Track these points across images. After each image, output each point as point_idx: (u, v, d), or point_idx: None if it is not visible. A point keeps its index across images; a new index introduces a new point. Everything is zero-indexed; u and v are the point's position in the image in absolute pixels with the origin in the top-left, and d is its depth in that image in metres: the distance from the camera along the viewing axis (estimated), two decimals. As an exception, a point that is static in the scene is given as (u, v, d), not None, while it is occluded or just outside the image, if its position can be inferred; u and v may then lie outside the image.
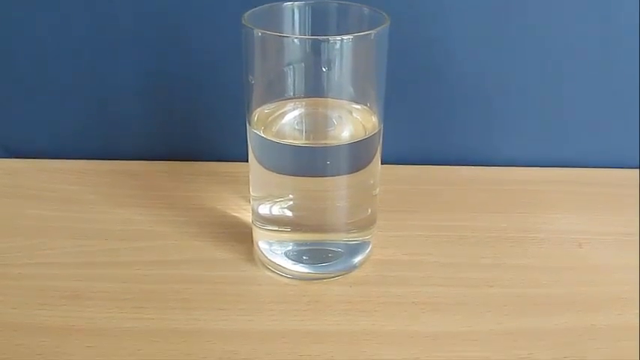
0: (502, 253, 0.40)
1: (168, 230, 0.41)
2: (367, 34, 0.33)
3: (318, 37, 0.32)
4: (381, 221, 0.40)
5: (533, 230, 0.42)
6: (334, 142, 0.36)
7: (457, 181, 0.48)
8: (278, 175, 0.36)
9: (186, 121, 0.48)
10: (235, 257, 0.39)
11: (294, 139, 0.36)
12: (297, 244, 0.38)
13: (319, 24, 0.35)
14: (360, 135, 0.35)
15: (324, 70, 0.33)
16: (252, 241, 0.39)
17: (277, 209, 0.37)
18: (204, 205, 0.44)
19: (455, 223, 0.43)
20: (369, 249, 0.39)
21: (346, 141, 0.36)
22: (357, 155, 0.35)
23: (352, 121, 0.36)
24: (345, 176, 0.36)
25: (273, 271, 0.38)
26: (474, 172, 0.49)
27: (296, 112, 0.36)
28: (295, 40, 0.33)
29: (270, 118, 0.35)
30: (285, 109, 0.36)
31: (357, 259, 0.38)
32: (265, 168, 0.36)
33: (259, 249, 0.39)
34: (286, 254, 0.37)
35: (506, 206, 0.45)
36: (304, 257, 0.37)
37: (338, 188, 0.36)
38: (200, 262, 0.39)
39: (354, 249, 0.38)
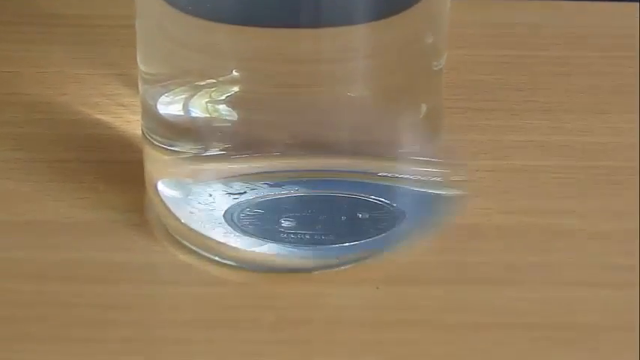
0: None
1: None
2: None
3: None
4: (452, 135, 0.37)
5: None
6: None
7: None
8: (206, 21, 0.32)
9: None
10: (109, 218, 0.36)
11: None
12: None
13: None
14: None
15: None
16: (144, 180, 0.35)
17: (202, 104, 0.33)
18: (38, 99, 0.41)
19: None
20: (422, 202, 0.35)
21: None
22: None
23: None
24: (364, 26, 0.32)
25: (197, 252, 0.34)
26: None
27: None
28: None
29: None
30: None
31: (393, 226, 0.33)
32: (176, 7, 0.32)
33: (162, 200, 0.34)
34: (230, 215, 0.33)
35: None
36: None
37: (350, 54, 0.32)
38: (35, 230, 0.35)
39: (388, 200, 0.34)
